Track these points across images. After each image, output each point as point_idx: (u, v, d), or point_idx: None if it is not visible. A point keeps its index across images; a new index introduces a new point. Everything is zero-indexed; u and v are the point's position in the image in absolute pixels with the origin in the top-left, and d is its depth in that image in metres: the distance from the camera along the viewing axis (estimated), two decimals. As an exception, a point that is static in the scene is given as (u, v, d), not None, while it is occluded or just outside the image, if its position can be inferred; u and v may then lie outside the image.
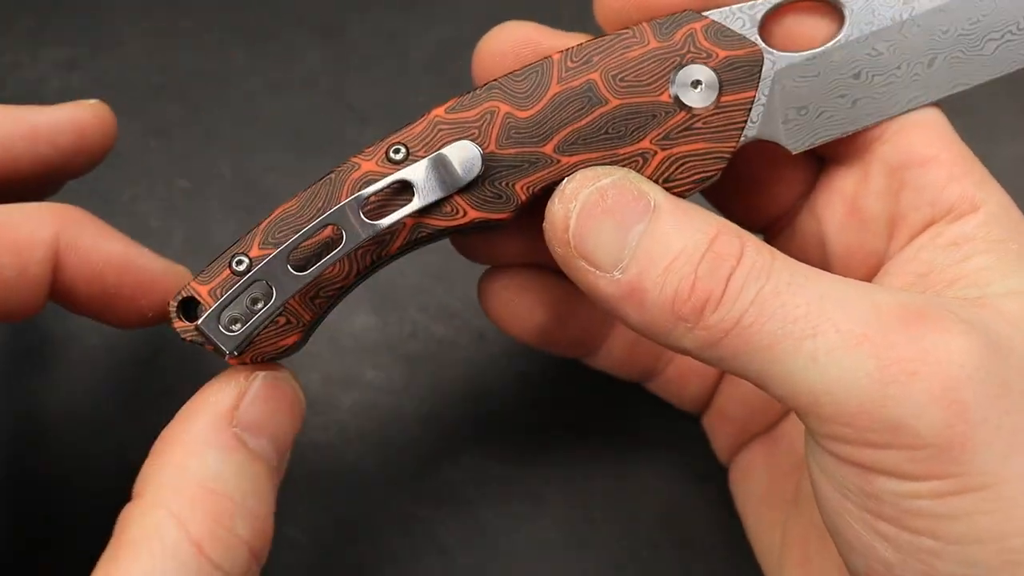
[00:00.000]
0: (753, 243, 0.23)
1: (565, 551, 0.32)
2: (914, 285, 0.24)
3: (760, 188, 0.28)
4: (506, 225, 0.25)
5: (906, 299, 0.22)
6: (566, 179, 0.24)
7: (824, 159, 0.28)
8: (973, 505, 0.21)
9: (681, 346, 0.23)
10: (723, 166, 0.25)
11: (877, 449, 0.22)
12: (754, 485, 0.30)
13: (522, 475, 0.33)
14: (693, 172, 0.25)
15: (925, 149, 0.25)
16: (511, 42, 0.27)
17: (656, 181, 0.25)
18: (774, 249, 0.23)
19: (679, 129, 0.25)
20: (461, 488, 0.33)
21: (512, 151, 0.25)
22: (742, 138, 0.25)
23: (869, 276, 0.26)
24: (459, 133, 0.25)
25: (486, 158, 0.25)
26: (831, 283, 0.22)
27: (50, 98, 0.38)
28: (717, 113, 0.25)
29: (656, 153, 0.25)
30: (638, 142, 0.25)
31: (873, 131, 0.26)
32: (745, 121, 0.25)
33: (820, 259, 0.27)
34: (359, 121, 0.39)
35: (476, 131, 0.25)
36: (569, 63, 0.25)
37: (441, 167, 0.24)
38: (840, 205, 0.27)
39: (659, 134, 0.25)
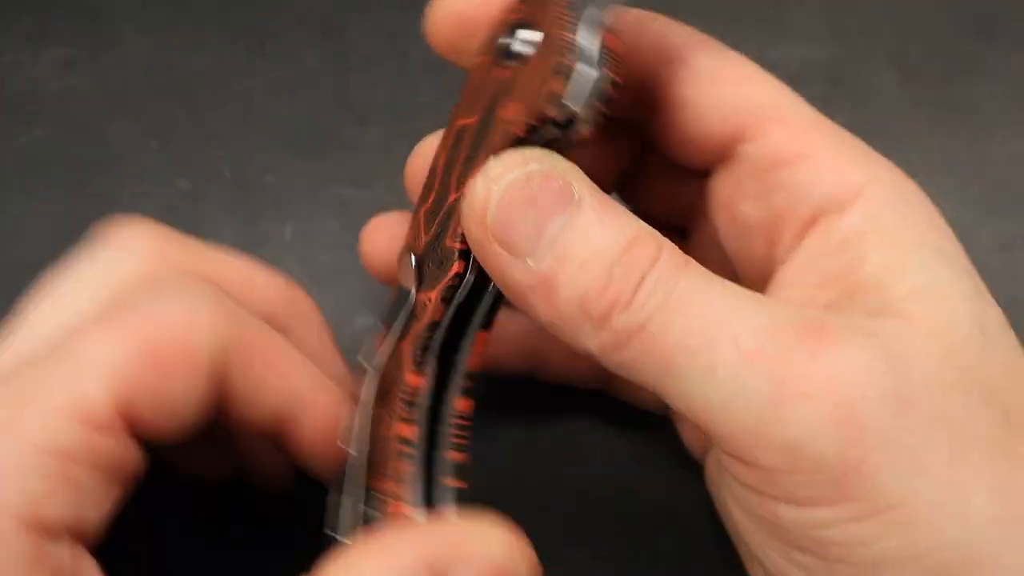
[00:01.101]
0: (669, 248, 0.22)
1: (565, 551, 0.32)
2: (814, 299, 0.23)
3: (665, 196, 0.28)
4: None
5: (807, 314, 0.22)
6: (492, 159, 0.22)
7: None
8: (881, 530, 0.20)
9: (586, 346, 0.22)
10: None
11: (777, 473, 0.21)
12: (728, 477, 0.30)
13: (522, 475, 0.33)
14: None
15: (791, 146, 0.24)
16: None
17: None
18: (688, 257, 0.22)
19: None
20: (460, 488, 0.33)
21: (433, 228, 0.24)
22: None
23: (763, 285, 0.25)
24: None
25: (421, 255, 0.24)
26: (736, 295, 0.22)
27: (50, 98, 0.39)
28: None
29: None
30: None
31: (731, 126, 0.25)
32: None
33: (724, 268, 0.25)
34: (359, 121, 0.39)
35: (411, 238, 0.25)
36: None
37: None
38: (723, 212, 0.26)
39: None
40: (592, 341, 0.22)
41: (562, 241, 0.22)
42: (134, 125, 0.38)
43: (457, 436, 0.25)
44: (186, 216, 0.36)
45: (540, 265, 0.22)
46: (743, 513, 0.23)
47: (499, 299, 0.24)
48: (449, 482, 0.24)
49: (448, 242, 0.24)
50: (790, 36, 0.40)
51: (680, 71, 0.26)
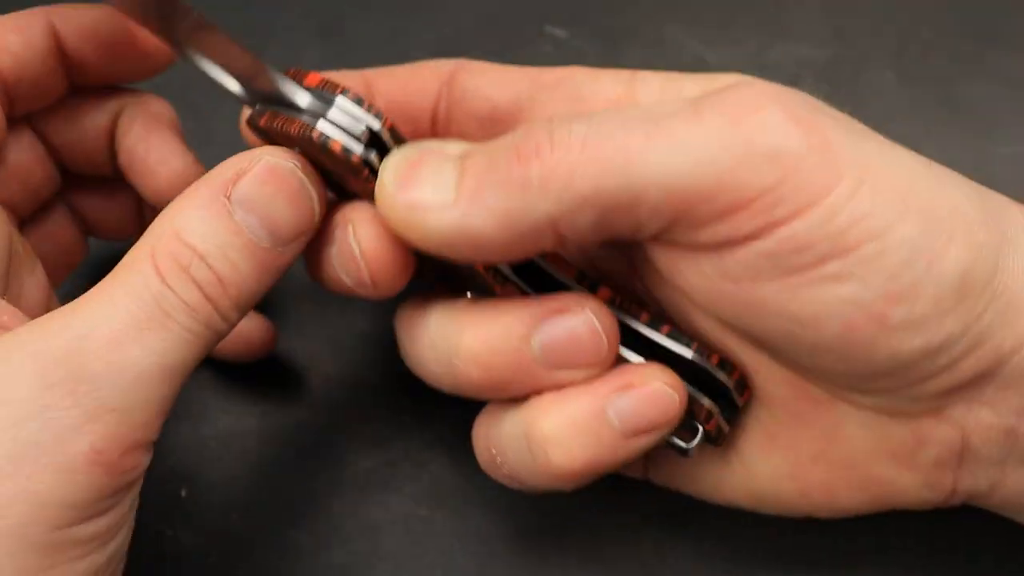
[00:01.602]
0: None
1: (567, 552, 0.32)
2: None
3: None
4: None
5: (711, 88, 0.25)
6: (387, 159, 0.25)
7: None
8: (865, 207, 0.23)
9: (542, 210, 0.24)
10: None
11: (763, 198, 0.23)
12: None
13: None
14: None
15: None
16: None
17: None
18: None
19: None
20: (460, 488, 0.33)
21: None
22: None
23: None
24: None
25: None
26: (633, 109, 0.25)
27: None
28: None
29: None
30: None
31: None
32: None
33: None
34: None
35: None
36: None
37: None
38: None
39: None
40: (544, 202, 0.24)
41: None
42: (134, 125, 0.38)
43: None
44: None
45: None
46: (752, 288, 0.24)
47: None
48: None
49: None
50: (790, 36, 0.40)
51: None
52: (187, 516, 0.32)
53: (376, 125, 0.25)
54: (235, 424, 0.33)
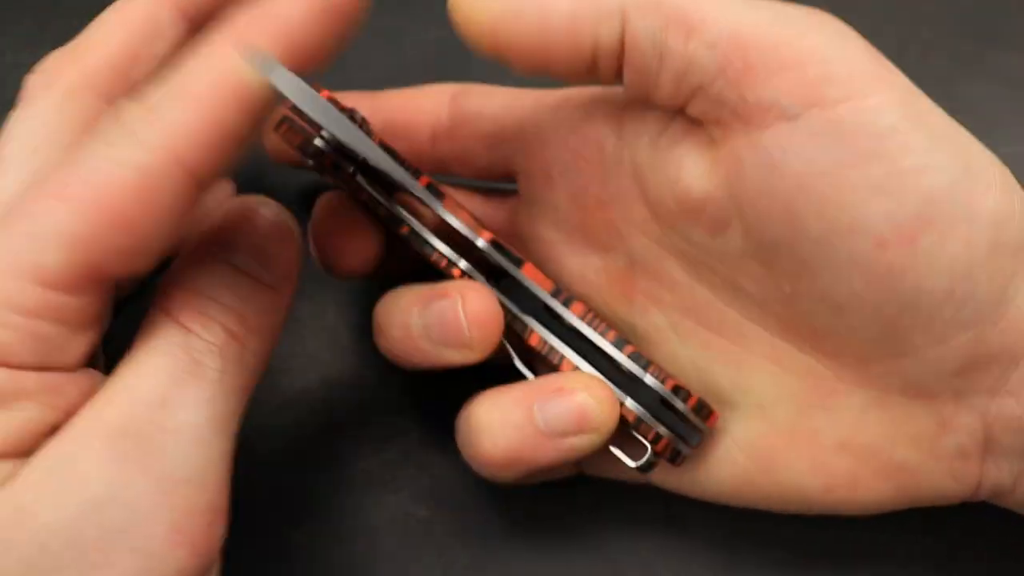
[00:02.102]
0: None
1: (566, 552, 0.32)
2: None
3: None
4: None
5: None
6: None
7: None
8: (909, 124, 0.24)
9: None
10: None
11: (819, 75, 0.24)
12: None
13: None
14: None
15: None
16: None
17: None
18: None
19: None
20: (461, 489, 0.33)
21: None
22: None
23: None
24: None
25: None
26: None
27: (50, 98, 0.38)
28: None
29: None
30: None
31: None
32: None
33: None
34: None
35: None
36: None
37: None
38: None
39: None
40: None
41: None
42: (134, 125, 0.38)
43: None
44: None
45: None
46: (804, 164, 0.25)
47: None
48: None
49: None
50: (790, 36, 0.40)
51: None
52: (186, 516, 0.32)
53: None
54: (234, 424, 0.33)
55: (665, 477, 0.30)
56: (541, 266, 0.30)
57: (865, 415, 0.27)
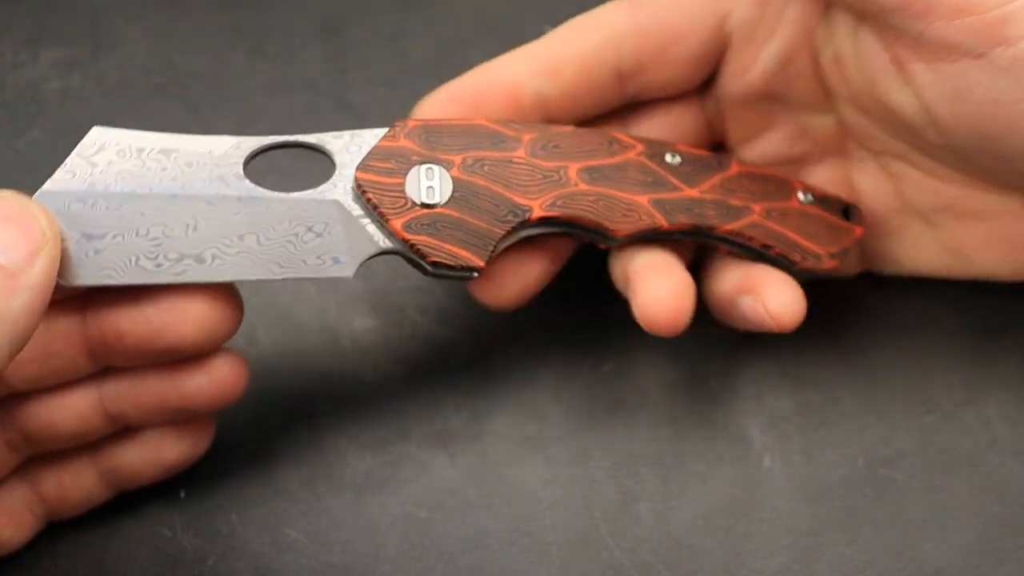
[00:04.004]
0: None
1: (566, 554, 0.32)
2: None
3: None
4: None
5: None
6: None
7: None
8: None
9: None
10: None
11: (999, 15, 0.26)
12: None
13: (521, 477, 0.33)
14: None
15: None
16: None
17: None
18: None
19: None
20: (460, 489, 0.33)
21: None
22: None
23: None
24: None
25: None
26: None
27: (51, 98, 0.38)
28: None
29: None
30: None
31: None
32: None
33: None
34: (359, 121, 0.38)
35: None
36: None
37: None
38: None
39: None
40: None
41: None
42: (134, 125, 0.38)
43: None
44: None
45: None
46: (986, 92, 0.27)
47: None
48: None
49: None
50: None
51: None
52: (187, 517, 0.32)
53: None
54: (234, 426, 0.33)
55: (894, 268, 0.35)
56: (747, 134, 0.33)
57: None
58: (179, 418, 0.29)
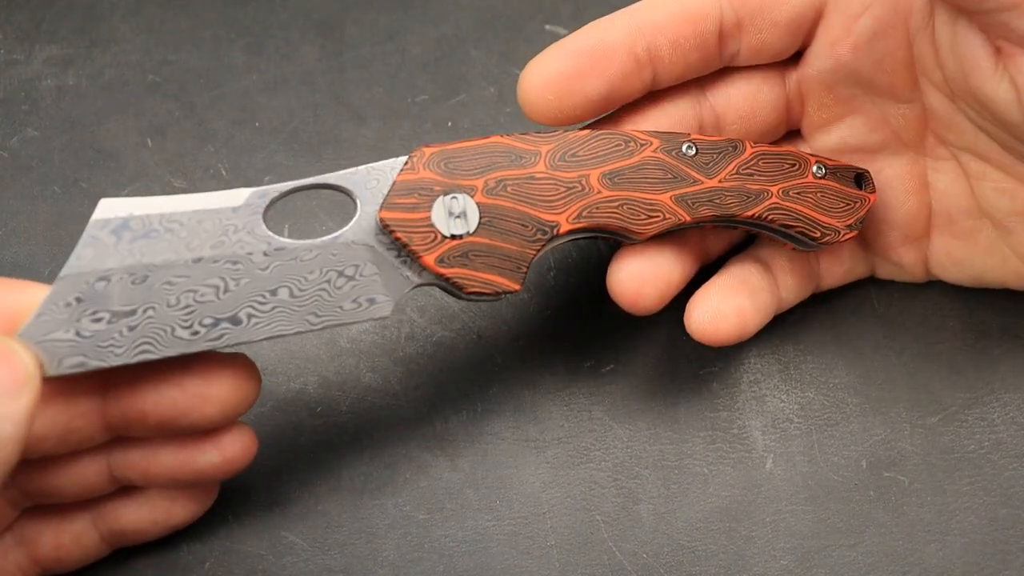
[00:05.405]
0: None
1: (567, 556, 0.32)
2: None
3: None
4: None
5: None
6: None
7: None
8: None
9: None
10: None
11: None
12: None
13: (521, 479, 0.33)
14: None
15: None
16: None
17: None
18: None
19: None
20: (459, 491, 0.32)
21: None
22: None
23: None
24: None
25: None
26: None
27: (45, 96, 0.38)
28: None
29: None
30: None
31: None
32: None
33: None
34: (357, 120, 0.38)
35: None
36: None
37: None
38: None
39: None
40: None
41: None
42: (129, 124, 0.38)
43: None
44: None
45: None
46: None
47: None
48: None
49: None
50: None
51: None
52: (183, 519, 0.32)
53: None
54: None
55: (958, 275, 0.35)
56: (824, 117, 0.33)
57: None
58: (186, 486, 0.30)
